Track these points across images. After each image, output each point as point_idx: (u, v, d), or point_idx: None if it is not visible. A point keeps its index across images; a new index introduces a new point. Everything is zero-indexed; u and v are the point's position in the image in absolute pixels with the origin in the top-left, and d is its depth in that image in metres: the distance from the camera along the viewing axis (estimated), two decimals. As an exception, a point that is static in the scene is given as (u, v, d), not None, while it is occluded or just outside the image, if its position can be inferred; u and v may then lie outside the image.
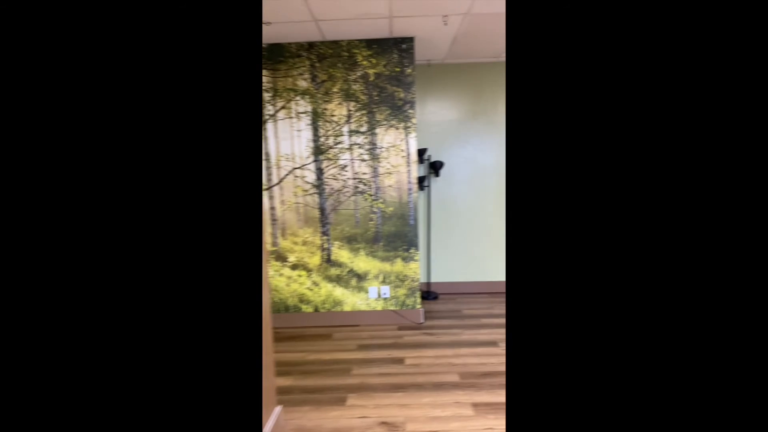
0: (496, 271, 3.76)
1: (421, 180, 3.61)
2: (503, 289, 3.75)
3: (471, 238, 3.74)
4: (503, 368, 2.31)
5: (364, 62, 2.92)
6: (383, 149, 2.98)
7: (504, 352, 2.52)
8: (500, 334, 2.79)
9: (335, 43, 2.91)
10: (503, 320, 3.05)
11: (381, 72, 2.93)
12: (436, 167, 3.58)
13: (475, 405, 1.96)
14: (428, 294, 3.65)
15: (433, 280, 3.78)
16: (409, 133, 2.96)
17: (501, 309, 3.30)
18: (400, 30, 2.76)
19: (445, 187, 3.71)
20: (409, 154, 2.98)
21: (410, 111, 2.94)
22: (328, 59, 2.93)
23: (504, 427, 1.78)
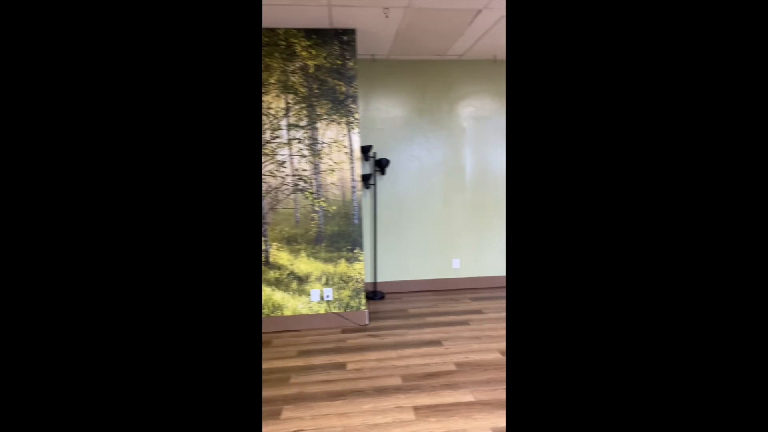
0: (443, 269, 3.77)
1: (366, 178, 3.53)
2: (449, 286, 3.78)
3: (418, 236, 3.72)
4: (446, 368, 2.29)
5: (303, 53, 2.77)
6: (324, 145, 2.85)
7: (447, 351, 2.51)
8: (444, 333, 2.78)
9: (271, 31, 2.73)
10: (447, 318, 3.06)
11: (321, 64, 2.79)
12: (381, 165, 3.51)
13: (417, 408, 1.90)
14: (374, 294, 3.58)
15: (380, 279, 3.72)
16: (352, 128, 2.85)
17: (446, 307, 3.31)
18: (341, 21, 2.65)
19: (392, 185, 3.66)
20: (352, 151, 2.87)
21: (353, 106, 2.84)
22: (263, 48, 2.74)
23: (444, 429, 1.75)
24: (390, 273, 3.73)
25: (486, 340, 2.64)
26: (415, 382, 2.15)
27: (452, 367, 2.29)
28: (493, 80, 3.66)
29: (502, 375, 2.19)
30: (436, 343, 2.63)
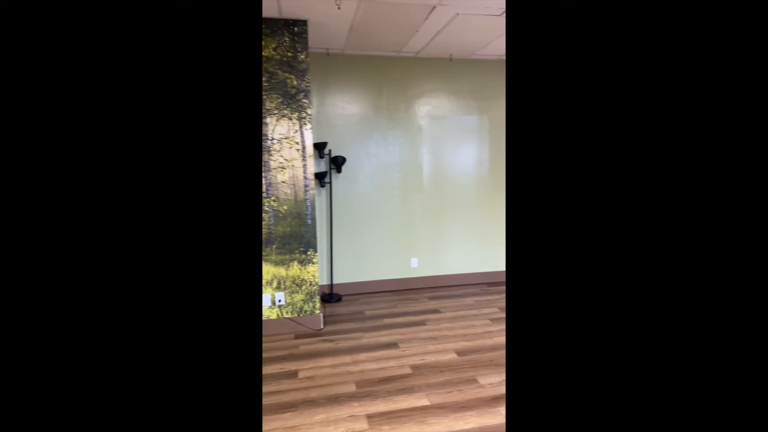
0: (401, 269, 3.74)
1: (322, 176, 3.40)
2: (408, 285, 3.74)
3: (376, 236, 3.65)
4: (402, 371, 2.24)
5: (251, 43, 2.60)
6: (275, 141, 2.70)
7: (403, 353, 2.46)
8: (401, 335, 2.74)
9: (215, 18, 2.54)
10: (405, 318, 3.01)
11: (271, 56, 2.64)
12: (337, 163, 3.40)
13: (370, 416, 1.83)
14: (331, 296, 3.47)
15: (337, 281, 3.61)
16: (304, 124, 2.73)
17: (403, 307, 3.27)
18: (291, 11, 2.51)
19: (348, 184, 3.56)
20: (304, 147, 2.74)
21: (305, 100, 2.71)
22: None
23: (398, 437, 1.69)
24: (347, 274, 3.63)
25: (442, 341, 2.63)
26: (369, 388, 2.08)
27: (408, 371, 2.24)
28: (449, 79, 3.66)
29: (457, 376, 2.17)
30: (393, 345, 2.58)
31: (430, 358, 2.38)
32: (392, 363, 2.33)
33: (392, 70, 3.55)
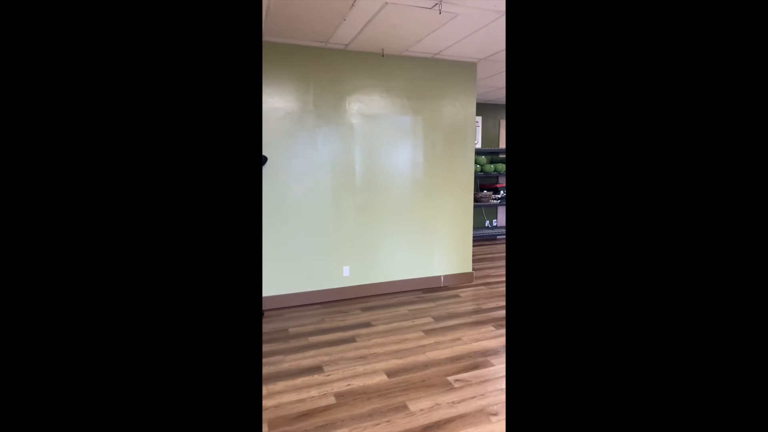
0: (332, 278, 3.46)
1: (239, 177, 3.01)
2: (339, 296, 3.48)
3: (304, 243, 3.33)
4: (324, 402, 1.97)
5: (140, 17, 2.16)
6: (174, 137, 2.28)
7: (327, 379, 2.19)
8: (327, 355, 2.47)
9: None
10: (333, 335, 2.75)
11: (167, 34, 2.22)
12: (257, 162, 3.03)
13: (281, 467, 1.54)
14: (251, 313, 3.09)
15: (259, 294, 3.24)
16: (212, 118, 2.34)
17: (333, 321, 3.00)
18: (191, -19, 2.11)
19: (271, 186, 3.20)
20: (212, 145, 2.35)
21: (211, 90, 2.32)
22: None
23: (312, 492, 1.42)
24: (271, 287, 3.27)
25: (372, 360, 2.40)
26: (284, 427, 1.78)
27: (331, 400, 1.98)
28: (382, 76, 3.46)
29: (386, 403, 1.96)
30: (317, 369, 2.30)
31: (358, 383, 2.14)
32: (314, 392, 2.06)
33: (320, 63, 3.25)
